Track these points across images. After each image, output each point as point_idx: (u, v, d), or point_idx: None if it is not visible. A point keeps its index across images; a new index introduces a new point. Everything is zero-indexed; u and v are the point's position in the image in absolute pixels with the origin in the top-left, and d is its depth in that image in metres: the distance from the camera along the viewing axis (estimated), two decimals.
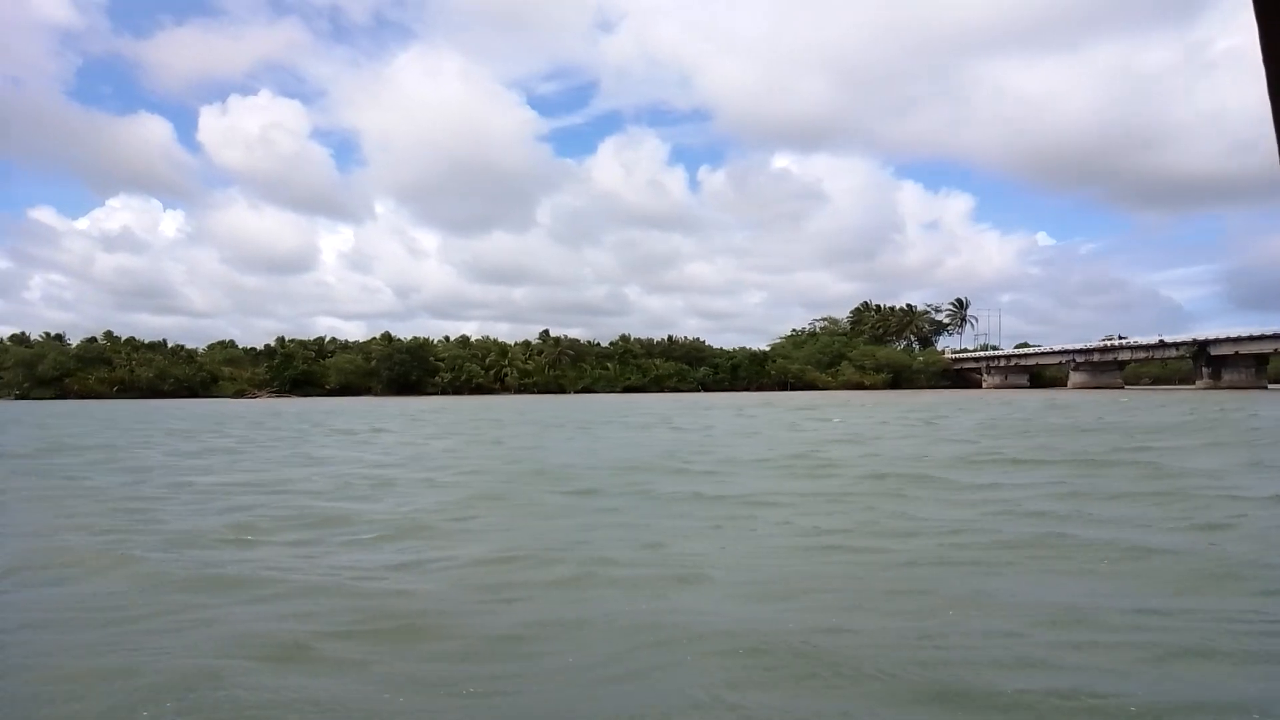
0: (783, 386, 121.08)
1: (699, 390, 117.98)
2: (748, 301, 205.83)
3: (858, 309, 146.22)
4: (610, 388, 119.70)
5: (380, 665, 4.28)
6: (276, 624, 4.93)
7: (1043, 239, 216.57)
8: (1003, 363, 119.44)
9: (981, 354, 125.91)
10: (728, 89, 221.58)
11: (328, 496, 10.76)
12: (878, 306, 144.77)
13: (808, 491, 10.54)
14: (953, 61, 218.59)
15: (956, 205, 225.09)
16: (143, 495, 11.06)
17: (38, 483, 12.81)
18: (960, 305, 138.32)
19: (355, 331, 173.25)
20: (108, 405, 70.55)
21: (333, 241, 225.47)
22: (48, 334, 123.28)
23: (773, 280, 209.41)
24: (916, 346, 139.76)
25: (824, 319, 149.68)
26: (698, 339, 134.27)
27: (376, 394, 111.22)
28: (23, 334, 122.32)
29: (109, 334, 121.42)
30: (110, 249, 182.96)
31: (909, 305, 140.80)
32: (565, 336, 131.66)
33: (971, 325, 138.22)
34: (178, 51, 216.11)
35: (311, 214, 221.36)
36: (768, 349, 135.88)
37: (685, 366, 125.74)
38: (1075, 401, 50.70)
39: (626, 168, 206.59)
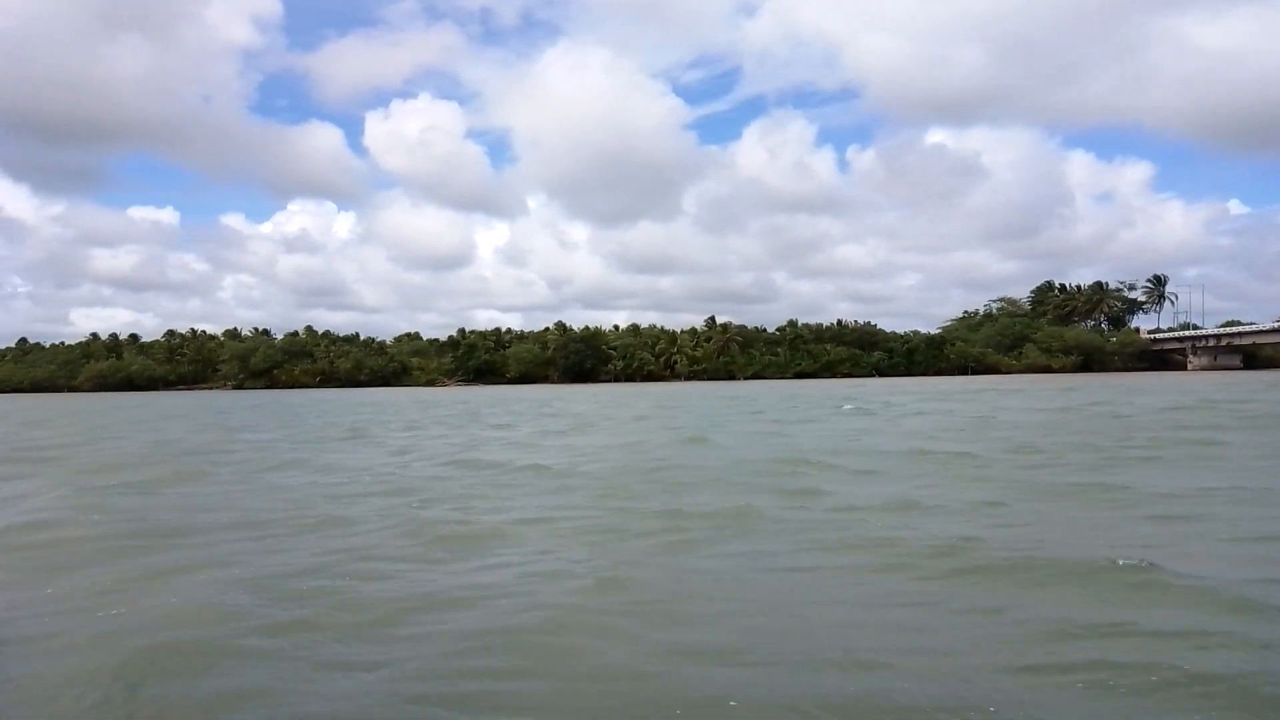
0: (962, 371, 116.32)
1: (873, 375, 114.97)
2: (901, 284, 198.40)
3: (1040, 288, 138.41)
4: (780, 374, 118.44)
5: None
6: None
7: (1235, 207, 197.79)
8: (1211, 342, 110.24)
9: (1185, 333, 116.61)
10: (877, 65, 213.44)
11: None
12: (1062, 285, 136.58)
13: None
14: (1124, 19, 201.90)
15: (1133, 174, 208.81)
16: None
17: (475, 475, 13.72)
18: (1158, 282, 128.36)
19: (512, 323, 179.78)
20: (331, 394, 75.72)
21: (489, 237, 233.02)
22: (255, 329, 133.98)
23: (928, 261, 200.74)
24: (1106, 327, 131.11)
25: (1001, 299, 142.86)
26: (869, 323, 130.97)
27: (553, 382, 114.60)
28: (235, 329, 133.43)
29: (309, 329, 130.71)
30: (291, 250, 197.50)
31: (1100, 283, 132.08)
32: (731, 323, 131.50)
33: (1171, 303, 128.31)
34: (343, 62, 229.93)
35: (469, 211, 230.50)
36: (937, 332, 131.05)
37: (857, 351, 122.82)
38: None
39: (772, 152, 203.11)
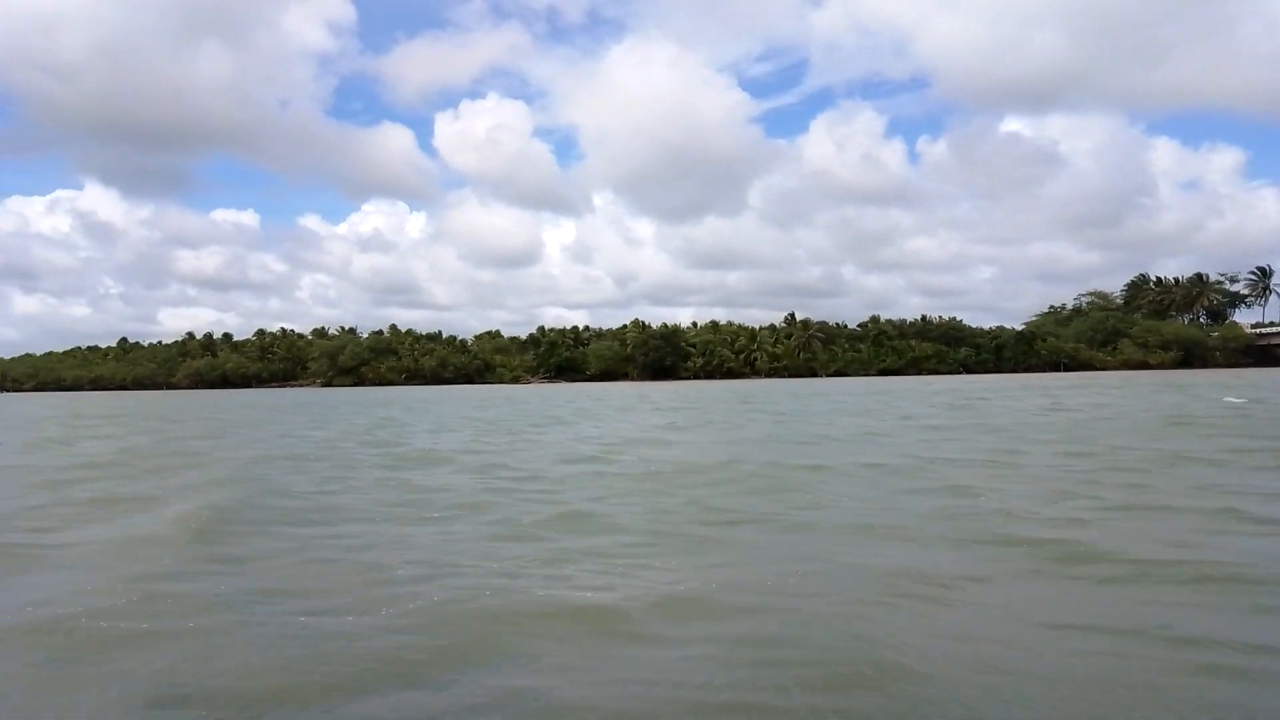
0: (1054, 367, 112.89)
1: (960, 372, 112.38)
2: (976, 277, 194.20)
3: (1133, 281, 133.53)
4: (863, 370, 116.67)
5: None
6: None
7: None
8: None
9: None
10: (948, 52, 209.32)
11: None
12: (1158, 279, 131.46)
13: None
14: None
15: (1222, 160, 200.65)
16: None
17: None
18: (1263, 274, 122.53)
19: (580, 320, 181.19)
20: (428, 391, 77.12)
21: (556, 234, 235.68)
22: (342, 328, 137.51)
23: (1003, 253, 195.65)
24: (1205, 321, 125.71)
25: (1091, 293, 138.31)
26: (954, 318, 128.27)
27: (633, 379, 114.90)
28: (322, 329, 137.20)
29: (393, 327, 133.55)
30: (365, 250, 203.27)
31: (1200, 275, 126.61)
32: (811, 320, 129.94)
33: (1278, 295, 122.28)
34: (413, 63, 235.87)
35: (536, 209, 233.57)
36: (1024, 327, 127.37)
37: (943, 348, 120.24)
38: None
39: (839, 144, 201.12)
